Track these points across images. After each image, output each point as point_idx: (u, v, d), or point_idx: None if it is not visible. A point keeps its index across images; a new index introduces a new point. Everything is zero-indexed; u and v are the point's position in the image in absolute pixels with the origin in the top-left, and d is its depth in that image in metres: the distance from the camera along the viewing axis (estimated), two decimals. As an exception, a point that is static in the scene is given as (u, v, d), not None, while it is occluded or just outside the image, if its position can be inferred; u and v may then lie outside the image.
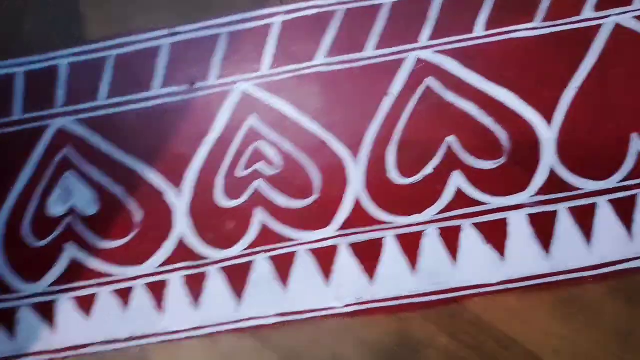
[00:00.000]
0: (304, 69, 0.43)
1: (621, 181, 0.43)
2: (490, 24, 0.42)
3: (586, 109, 0.42)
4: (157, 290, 0.43)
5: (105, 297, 0.44)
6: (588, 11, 0.42)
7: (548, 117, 0.42)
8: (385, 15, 0.42)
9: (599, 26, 0.42)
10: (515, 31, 0.42)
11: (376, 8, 0.42)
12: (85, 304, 0.44)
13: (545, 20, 0.42)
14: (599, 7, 0.42)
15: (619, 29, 0.42)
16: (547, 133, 0.42)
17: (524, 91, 0.42)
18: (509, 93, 0.42)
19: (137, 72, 0.43)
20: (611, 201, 0.42)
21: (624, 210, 0.42)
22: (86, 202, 0.44)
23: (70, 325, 0.44)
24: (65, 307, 0.44)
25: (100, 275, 0.44)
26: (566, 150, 0.42)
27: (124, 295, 0.43)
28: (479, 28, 0.42)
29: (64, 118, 0.43)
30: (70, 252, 0.44)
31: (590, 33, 0.42)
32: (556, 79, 0.42)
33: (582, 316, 0.43)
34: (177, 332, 0.43)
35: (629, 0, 0.42)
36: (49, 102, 0.44)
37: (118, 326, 0.43)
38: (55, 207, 0.44)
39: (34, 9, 0.44)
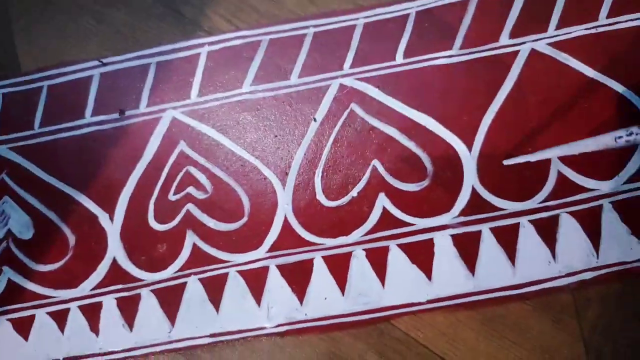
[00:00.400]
0: (231, 96, 0.46)
1: (542, 202, 0.45)
2: (409, 52, 0.45)
3: (505, 132, 0.45)
4: (92, 312, 0.47)
5: (42, 318, 0.47)
6: (504, 38, 0.44)
7: (468, 140, 0.45)
8: (309, 45, 0.45)
9: (516, 52, 0.44)
10: (433, 59, 0.44)
11: (300, 38, 0.46)
12: (23, 326, 0.47)
13: (462, 47, 0.44)
14: (514, 35, 0.44)
15: (534, 54, 0.44)
16: (468, 156, 0.45)
17: (445, 116, 0.46)
18: (429, 118, 0.46)
19: (69, 101, 0.47)
20: (533, 221, 0.45)
21: (546, 230, 0.45)
22: (22, 227, 0.47)
23: (9, 346, 0.46)
24: (3, 328, 0.46)
25: (36, 297, 0.47)
26: (487, 172, 0.45)
27: (60, 317, 0.47)
28: (399, 56, 0.45)
29: (-1, 146, 0.45)
30: (8, 275, 0.45)
31: (507, 59, 0.44)
32: (475, 104, 0.46)
33: (508, 334, 0.46)
34: (111, 352, 0.46)
35: (544, 27, 0.44)
36: (-16, 131, 0.46)
37: (55, 347, 0.47)
38: (-8, 232, 0.46)
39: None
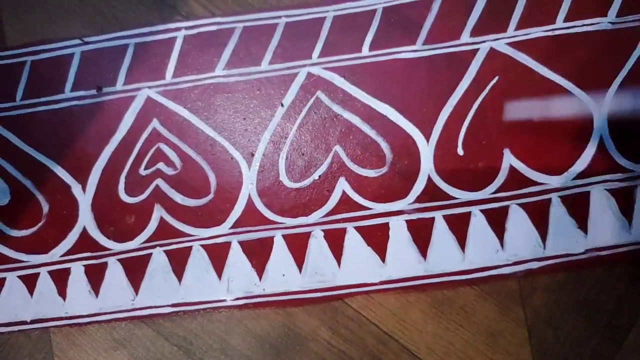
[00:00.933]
0: (204, 79, 0.48)
1: (494, 192, 0.47)
2: (375, 45, 0.48)
3: (462, 126, 0.47)
4: (60, 277, 0.49)
5: (12, 281, 0.48)
6: (465, 36, 0.46)
7: (426, 131, 0.48)
8: (280, 33, 0.48)
9: (475, 50, 0.46)
10: (397, 52, 0.47)
11: (272, 26, 0.49)
12: None
13: (425, 43, 0.47)
14: (475, 33, 0.47)
15: (493, 53, 0.46)
16: (426, 146, 0.47)
17: (405, 107, 0.48)
18: (391, 109, 0.48)
19: (51, 76, 0.50)
20: (484, 211, 0.47)
21: (496, 219, 0.48)
22: None
23: None
24: (-27, 288, 0.48)
25: (8, 260, 0.49)
26: (443, 162, 0.48)
27: (30, 280, 0.49)
28: (365, 48, 0.47)
29: (-19, 116, 0.48)
30: (-19, 239, 0.48)
31: (466, 56, 0.47)
32: (435, 97, 0.48)
33: (455, 317, 0.48)
34: (77, 316, 0.48)
35: (503, 28, 0.46)
36: (-33, 101, 0.48)
37: (23, 309, 0.49)
38: (-31, 197, 0.48)
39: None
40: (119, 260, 0.49)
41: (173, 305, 0.49)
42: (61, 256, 0.50)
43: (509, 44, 0.50)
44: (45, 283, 0.49)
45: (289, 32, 0.50)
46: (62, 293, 0.49)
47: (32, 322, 0.49)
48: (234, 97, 0.51)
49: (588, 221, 0.49)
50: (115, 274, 0.49)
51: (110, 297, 0.49)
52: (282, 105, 0.50)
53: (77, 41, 0.50)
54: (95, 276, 0.49)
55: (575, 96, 0.50)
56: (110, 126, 0.50)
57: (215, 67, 0.50)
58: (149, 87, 0.50)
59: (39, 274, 0.50)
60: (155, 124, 0.50)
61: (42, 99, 0.51)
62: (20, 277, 0.50)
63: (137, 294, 0.49)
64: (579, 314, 0.50)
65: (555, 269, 0.48)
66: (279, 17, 0.51)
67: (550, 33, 0.50)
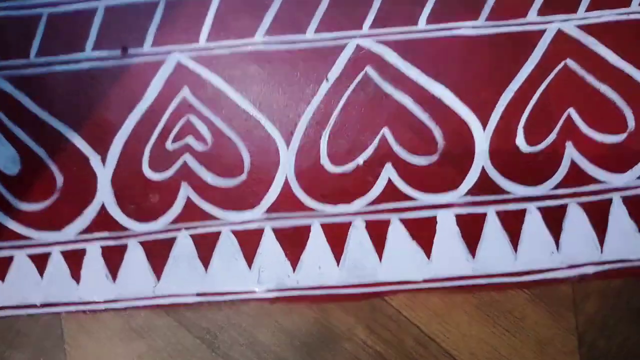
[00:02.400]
0: (242, 45, 0.45)
1: (553, 189, 0.44)
2: (433, 18, 0.44)
3: (522, 114, 0.43)
4: (75, 258, 0.46)
5: (21, 260, 0.45)
6: (532, 14, 0.43)
7: (484, 118, 0.45)
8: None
9: (542, 31, 0.43)
10: (457, 28, 0.44)
11: None
12: (0, 266, 0.43)
13: (489, 19, 0.43)
14: (543, 12, 0.43)
15: (560, 35, 0.43)
16: (482, 134, 0.45)
17: (462, 90, 0.45)
18: (446, 90, 0.45)
19: (70, 32, 0.46)
20: (541, 209, 0.44)
21: (553, 218, 0.46)
22: (8, 161, 0.46)
23: None
24: (-22, 267, 0.44)
25: (17, 237, 0.45)
26: (499, 153, 0.45)
27: (41, 260, 0.46)
28: (422, 21, 0.43)
29: (-9, 73, 0.43)
30: (-12, 211, 0.44)
31: (532, 37, 0.43)
32: (495, 80, 0.46)
33: (503, 321, 0.45)
34: (91, 302, 0.45)
35: (573, 8, 0.42)
36: (-24, 55, 0.43)
37: (32, 291, 0.45)
38: (-25, 163, 0.44)
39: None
40: (140, 242, 0.45)
41: (198, 295, 0.45)
42: (76, 235, 0.45)
43: (579, 26, 0.46)
44: (57, 264, 0.45)
45: None
46: (76, 276, 0.45)
47: (42, 305, 0.45)
48: (274, 68, 0.46)
49: (650, 225, 0.47)
50: (135, 257, 0.45)
51: (130, 282, 0.45)
52: (327, 79, 0.46)
53: None
54: (114, 259, 0.45)
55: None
56: (136, 93, 0.46)
57: (255, 32, 0.46)
58: (180, 51, 0.46)
59: (50, 253, 0.45)
60: (185, 92, 0.46)
61: (60, 58, 0.46)
62: (29, 256, 0.45)
63: (159, 280, 0.45)
64: (634, 323, 0.47)
65: (611, 274, 0.45)
66: None
67: (624, 17, 0.46)
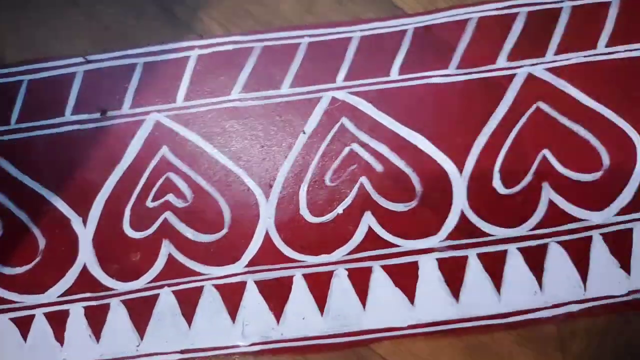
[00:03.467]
0: (218, 102, 0.45)
1: (532, 229, 0.44)
2: (405, 69, 0.45)
3: (497, 157, 0.44)
4: (58, 320, 0.46)
5: (3, 324, 0.45)
6: (502, 60, 0.44)
7: (460, 162, 0.45)
8: (303, 54, 0.45)
9: (512, 76, 0.44)
10: (428, 77, 0.44)
11: (294, 47, 0.46)
12: None
13: (459, 67, 0.44)
14: (512, 58, 0.44)
15: (531, 79, 0.44)
16: (459, 179, 0.45)
17: (437, 136, 0.45)
18: (421, 137, 0.45)
19: (50, 97, 0.46)
20: (521, 249, 0.44)
21: (534, 258, 0.46)
22: None
23: None
24: (-40, 333, 0.44)
25: (0, 301, 0.43)
26: (477, 195, 0.46)
27: (24, 323, 0.46)
28: (395, 72, 0.44)
29: (-29, 140, 0.44)
30: (-30, 277, 0.44)
31: (503, 82, 0.44)
32: (469, 125, 0.46)
33: None
34: None
35: (542, 52, 0.43)
36: (-43, 123, 0.44)
37: (16, 355, 0.45)
38: (-43, 231, 0.44)
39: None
40: (122, 301, 0.45)
41: (182, 352, 0.44)
42: (59, 296, 0.45)
43: (548, 69, 0.47)
44: (40, 326, 0.45)
45: (312, 53, 0.47)
46: (60, 337, 0.45)
47: (26, 370, 0.46)
48: (251, 123, 0.47)
49: (631, 260, 0.47)
50: (118, 316, 0.45)
51: (113, 342, 0.45)
52: (304, 132, 0.47)
53: (80, 59, 0.47)
54: (97, 319, 0.45)
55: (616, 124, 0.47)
56: (115, 153, 0.46)
57: (231, 90, 0.47)
58: (158, 111, 0.47)
59: (34, 316, 0.45)
60: (164, 151, 0.47)
61: (40, 123, 0.47)
62: (12, 319, 0.45)
63: (142, 339, 0.45)
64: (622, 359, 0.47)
65: (596, 312, 0.44)
66: (302, 36, 0.47)
67: (591, 59, 0.47)
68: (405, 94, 0.47)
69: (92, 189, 0.46)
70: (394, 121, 0.46)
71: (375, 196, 0.46)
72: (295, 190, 0.46)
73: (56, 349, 0.45)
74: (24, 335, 0.45)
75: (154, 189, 0.46)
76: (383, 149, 0.46)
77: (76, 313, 0.45)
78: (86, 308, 0.45)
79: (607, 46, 0.47)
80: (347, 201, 0.46)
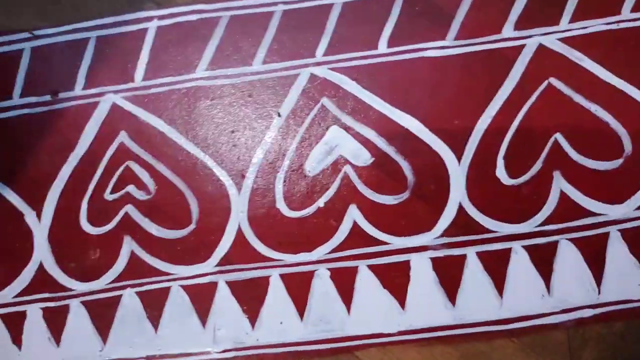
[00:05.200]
0: (182, 82, 0.40)
1: (540, 225, 0.39)
2: (394, 41, 0.40)
3: (502, 142, 0.39)
4: (15, 322, 0.43)
5: None
6: (508, 30, 0.38)
7: (458, 149, 0.41)
8: (277, 25, 0.40)
9: (521, 47, 0.38)
10: (422, 49, 0.39)
11: (266, 16, 0.41)
12: None
13: (458, 38, 0.39)
14: (520, 26, 0.38)
15: (542, 50, 0.39)
16: (457, 167, 0.40)
17: (432, 119, 0.41)
18: (414, 120, 0.41)
19: None
20: (527, 247, 0.40)
21: (542, 258, 0.41)
22: None
23: None
24: None
25: None
26: (478, 187, 0.42)
27: None
28: (382, 44, 0.39)
29: None
30: None
31: (510, 54, 0.39)
32: (469, 106, 0.41)
33: None
34: None
35: (555, 19, 0.37)
36: None
37: (-30, 361, 0.40)
38: None
39: None
40: (83, 302, 0.41)
41: (147, 358, 0.41)
42: (14, 297, 0.42)
43: (562, 39, 0.41)
44: (-5, 329, 0.44)
45: (287, 23, 0.42)
46: (17, 341, 0.42)
47: (-19, 375, 0.44)
48: (219, 105, 0.43)
49: (654, 260, 0.42)
50: (79, 319, 0.41)
51: (74, 346, 0.41)
52: (279, 115, 0.42)
53: (26, 34, 0.42)
54: (56, 321, 0.42)
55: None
56: (69, 139, 0.42)
57: (196, 67, 0.42)
58: (115, 92, 0.43)
59: (-12, 318, 0.44)
60: (123, 137, 0.42)
61: (-15, 107, 0.45)
62: (-34, 322, 0.44)
63: (105, 343, 0.41)
64: (640, 371, 0.42)
65: (611, 317, 0.40)
66: (275, 3, 0.42)
67: (613, 26, 0.41)
68: (395, 70, 0.42)
69: (45, 179, 0.42)
70: (382, 101, 0.42)
71: (361, 187, 0.42)
72: (270, 180, 0.42)
73: (14, 352, 0.42)
74: (-20, 338, 0.44)
75: (113, 180, 0.42)
76: (370, 134, 0.41)
77: (34, 314, 0.42)
78: (44, 309, 0.42)
79: (632, 11, 0.41)
80: (330, 193, 0.42)
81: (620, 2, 0.41)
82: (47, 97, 0.43)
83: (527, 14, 0.42)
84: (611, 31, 0.41)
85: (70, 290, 0.42)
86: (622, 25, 0.42)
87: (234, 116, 0.42)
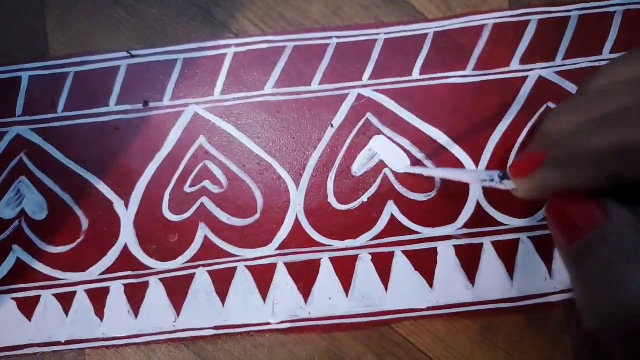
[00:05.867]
0: (253, 97, 0.47)
1: (542, 219, 0.46)
2: (425, 69, 0.48)
3: (511, 152, 0.47)
4: (98, 297, 0.47)
5: (47, 300, 0.47)
6: (515, 63, 0.47)
7: (476, 157, 0.48)
8: (331, 54, 0.48)
9: (525, 78, 0.47)
10: (447, 77, 0.47)
11: (323, 47, 0.49)
12: (27, 306, 0.47)
13: (475, 69, 0.47)
14: (524, 61, 0.47)
15: (542, 81, 0.47)
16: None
17: (453, 132, 0.48)
18: (440, 133, 0.46)
19: (95, 89, 0.49)
20: (532, 238, 0.46)
21: (544, 247, 0.47)
22: (36, 207, 0.47)
23: (11, 325, 0.46)
24: (8, 307, 0.46)
25: (44, 278, 0.47)
26: (492, 188, 0.46)
27: (66, 299, 0.47)
28: (416, 72, 0.47)
29: (21, 126, 0.46)
30: (17, 254, 0.46)
31: (516, 83, 0.47)
32: (484, 123, 0.47)
33: (503, 345, 0.48)
34: (114, 338, 0.47)
35: (552, 57, 0.47)
36: (9, 110, 0.46)
37: (58, 329, 0.47)
38: (6, 210, 0.46)
39: (1, 26, 0.47)
40: (161, 279, 0.48)
41: (215, 328, 0.47)
42: (100, 274, 0.48)
43: (557, 72, 0.50)
44: (82, 302, 0.47)
45: (340, 53, 0.50)
46: (100, 313, 0.47)
47: (67, 342, 0.47)
48: (282, 116, 0.50)
49: None
50: (156, 294, 0.48)
51: (151, 318, 0.47)
52: (332, 125, 0.49)
53: (124, 54, 0.49)
54: (136, 296, 0.48)
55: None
56: (156, 142, 0.49)
57: (264, 85, 0.50)
58: (197, 104, 0.49)
59: (75, 292, 0.48)
60: (202, 140, 0.49)
61: (85, 112, 0.49)
62: (55, 295, 0.48)
63: (178, 315, 0.47)
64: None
65: None
66: (331, 37, 0.50)
67: (596, 64, 0.50)
68: (425, 93, 0.49)
69: (133, 174, 0.48)
70: (415, 117, 0.49)
71: (398, 186, 0.49)
72: (323, 179, 0.49)
73: (96, 324, 0.47)
74: (66, 311, 0.48)
75: (192, 176, 0.49)
76: (405, 143, 0.49)
77: (116, 290, 0.48)
78: (126, 285, 0.48)
79: (611, 52, 0.51)
80: (372, 190, 0.49)
81: (601, 45, 0.50)
82: (139, 106, 0.49)
83: (530, 52, 0.50)
84: (594, 67, 0.50)
85: (151, 268, 0.48)
86: (603, 62, 0.52)
87: (295, 126, 0.50)
